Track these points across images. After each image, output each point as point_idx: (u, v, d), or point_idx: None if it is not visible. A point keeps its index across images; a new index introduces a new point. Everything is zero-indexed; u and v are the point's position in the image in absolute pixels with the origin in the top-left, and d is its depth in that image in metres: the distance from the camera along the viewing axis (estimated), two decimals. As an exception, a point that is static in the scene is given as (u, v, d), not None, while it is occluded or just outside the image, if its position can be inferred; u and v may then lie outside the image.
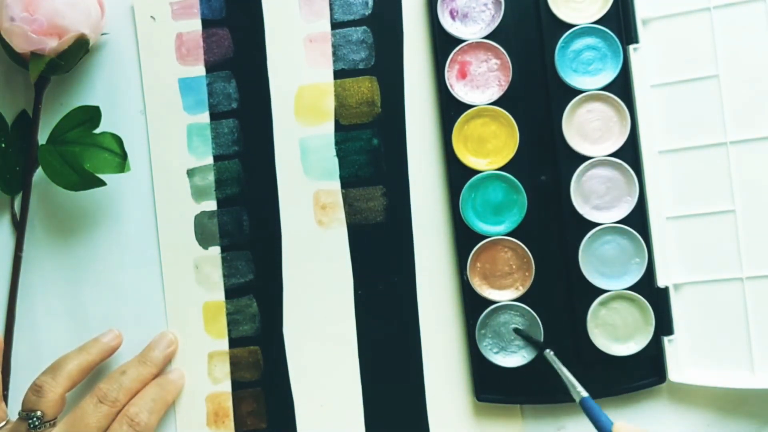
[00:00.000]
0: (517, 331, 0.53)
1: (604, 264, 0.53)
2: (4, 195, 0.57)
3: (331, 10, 0.56)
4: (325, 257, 0.56)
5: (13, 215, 0.57)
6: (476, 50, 0.54)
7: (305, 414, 0.56)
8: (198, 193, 0.57)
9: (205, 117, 0.57)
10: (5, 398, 0.55)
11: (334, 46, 0.56)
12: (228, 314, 0.56)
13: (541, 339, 0.53)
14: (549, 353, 0.51)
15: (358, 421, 0.55)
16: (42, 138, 0.56)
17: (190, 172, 0.57)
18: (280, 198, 0.56)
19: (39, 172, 0.56)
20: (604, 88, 0.53)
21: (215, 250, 0.57)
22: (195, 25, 0.57)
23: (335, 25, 0.56)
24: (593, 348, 0.52)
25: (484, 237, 0.53)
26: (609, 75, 0.53)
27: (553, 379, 0.53)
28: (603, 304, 0.53)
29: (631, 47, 0.52)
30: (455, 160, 0.54)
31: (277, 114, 0.56)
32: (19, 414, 0.52)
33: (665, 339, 0.52)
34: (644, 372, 0.53)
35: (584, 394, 0.47)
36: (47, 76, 0.56)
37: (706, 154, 0.52)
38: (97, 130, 0.55)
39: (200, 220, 0.57)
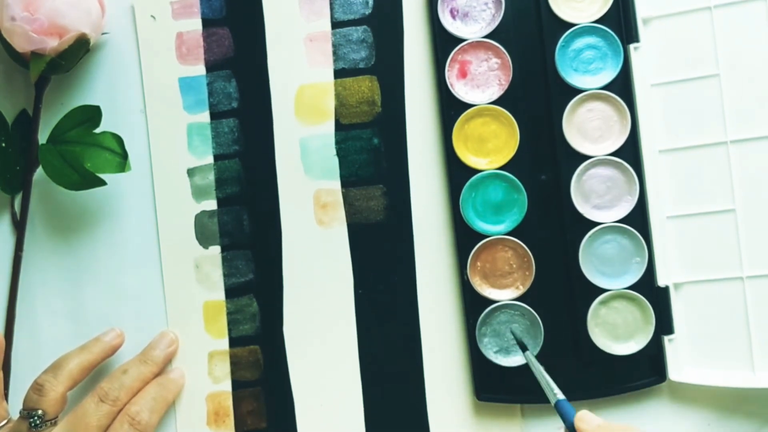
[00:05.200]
0: (512, 331, 0.53)
1: (604, 263, 0.53)
2: (4, 194, 0.57)
3: (332, 9, 0.56)
4: (325, 257, 0.56)
5: (14, 215, 0.57)
6: (477, 49, 0.54)
7: (305, 413, 0.56)
8: (198, 193, 0.57)
9: (205, 116, 0.57)
10: (6, 397, 0.55)
11: (334, 45, 0.56)
12: (228, 314, 0.56)
13: (541, 338, 0.53)
14: (528, 354, 0.51)
15: (358, 420, 0.55)
16: (42, 137, 0.56)
17: (191, 172, 0.57)
18: (280, 197, 0.56)
19: (39, 172, 0.56)
20: (605, 87, 0.53)
21: (215, 250, 0.57)
22: (195, 24, 0.57)
23: (335, 24, 0.56)
24: (593, 347, 0.52)
25: (485, 236, 0.53)
26: (609, 74, 0.53)
27: (553, 378, 0.53)
28: (603, 303, 0.53)
29: (631, 46, 0.52)
30: (455, 159, 0.54)
31: (277, 113, 0.56)
32: (20, 413, 0.52)
33: (665, 338, 0.52)
34: (644, 371, 0.53)
35: (560, 396, 0.47)
36: (48, 75, 0.56)
37: (706, 153, 0.52)
38: (98, 130, 0.55)
39: (200, 220, 0.57)
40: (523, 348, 0.52)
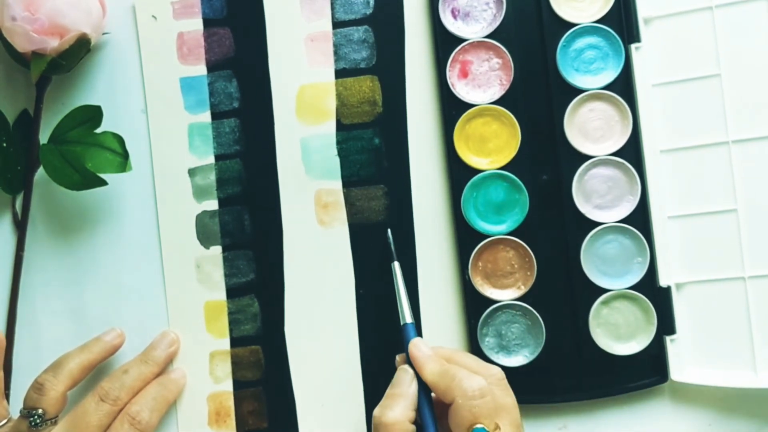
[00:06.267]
0: (387, 236, 0.54)
1: (605, 263, 0.53)
2: (5, 194, 0.57)
3: (333, 9, 0.56)
4: (326, 257, 0.56)
5: (15, 215, 0.57)
6: (478, 49, 0.54)
7: (306, 413, 0.56)
8: (199, 193, 0.57)
9: (206, 116, 0.57)
10: (7, 396, 0.55)
11: (335, 45, 0.56)
12: (229, 314, 0.56)
13: (543, 338, 0.53)
14: (394, 265, 0.53)
15: (360, 420, 0.55)
16: (43, 137, 0.56)
17: (192, 172, 0.57)
18: (281, 197, 0.56)
19: (40, 172, 0.56)
20: (606, 87, 0.53)
21: (216, 250, 0.56)
22: (196, 24, 0.57)
23: (336, 24, 0.56)
24: (595, 347, 0.52)
25: (486, 236, 0.53)
26: (611, 74, 0.53)
27: (554, 378, 0.53)
28: (605, 303, 0.53)
29: (632, 46, 0.52)
30: (457, 159, 0.54)
31: (278, 113, 0.56)
32: (20, 412, 0.51)
33: (667, 338, 0.52)
34: (646, 371, 0.53)
35: (409, 320, 0.51)
36: (48, 75, 0.56)
37: (708, 153, 0.52)
38: (99, 130, 0.55)
39: (201, 220, 0.57)
40: (392, 259, 0.53)
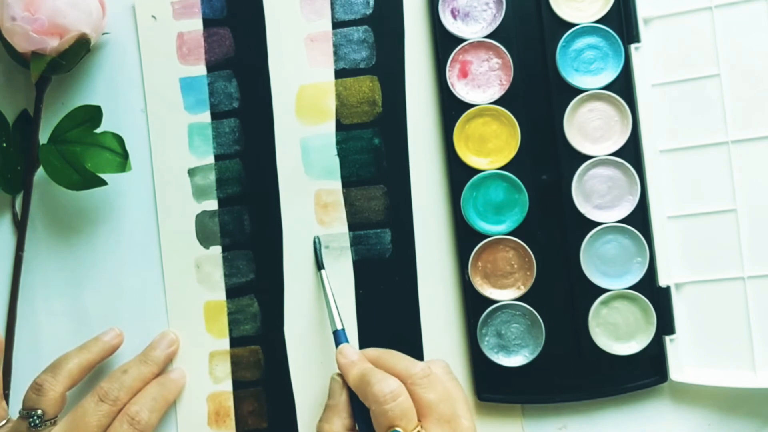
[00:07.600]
0: (314, 241, 0.55)
1: (605, 263, 0.53)
2: (5, 194, 0.57)
3: (332, 9, 0.56)
4: (326, 256, 0.56)
5: (14, 215, 0.57)
6: (477, 49, 0.54)
7: (306, 413, 0.56)
8: (199, 193, 0.57)
9: (206, 116, 0.57)
10: (6, 397, 0.55)
11: (335, 45, 0.56)
12: (229, 314, 0.56)
13: (542, 338, 0.53)
14: (322, 273, 0.54)
15: (359, 420, 0.55)
16: (43, 137, 0.56)
17: (191, 172, 0.57)
18: (281, 197, 0.56)
19: (40, 172, 0.56)
20: (606, 88, 0.53)
21: (216, 250, 0.57)
22: (196, 24, 0.57)
23: (336, 24, 0.56)
24: (595, 347, 0.52)
25: (486, 236, 0.53)
26: (610, 74, 0.53)
27: (554, 378, 0.53)
28: (604, 303, 0.53)
29: (632, 46, 0.52)
30: (456, 159, 0.54)
31: (278, 113, 0.56)
32: (19, 413, 0.51)
33: (667, 338, 0.52)
34: (646, 371, 0.53)
35: (339, 327, 0.51)
36: (48, 75, 0.56)
37: (707, 154, 0.52)
38: (98, 130, 0.55)
39: (201, 220, 0.57)
40: (320, 267, 0.54)
